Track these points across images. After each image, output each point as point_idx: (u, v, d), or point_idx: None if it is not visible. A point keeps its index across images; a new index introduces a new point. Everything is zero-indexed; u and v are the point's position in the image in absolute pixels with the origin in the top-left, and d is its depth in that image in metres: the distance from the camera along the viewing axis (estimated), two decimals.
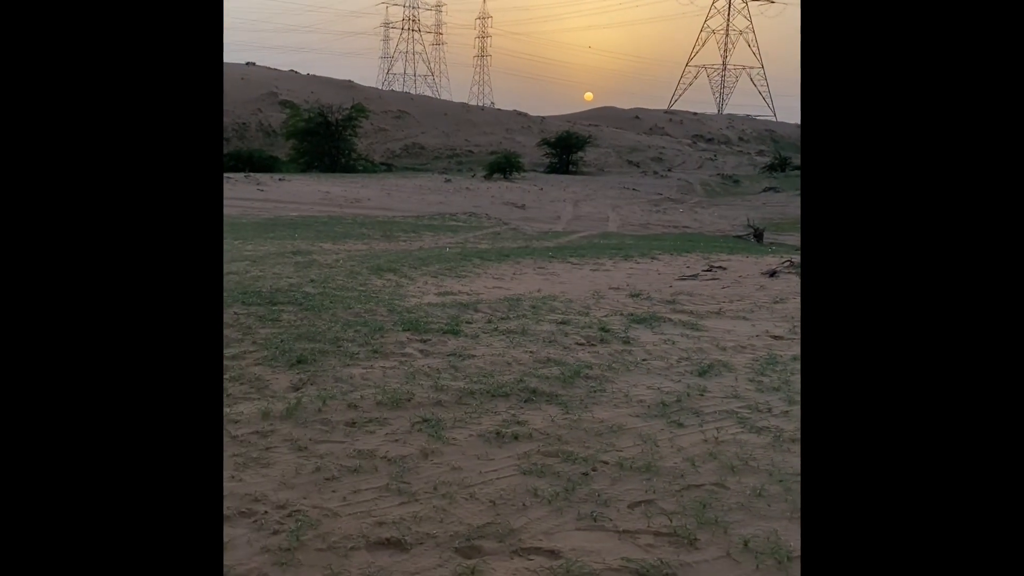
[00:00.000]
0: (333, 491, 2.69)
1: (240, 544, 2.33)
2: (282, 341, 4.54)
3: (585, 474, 2.90)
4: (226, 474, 2.79)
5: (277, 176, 25.09)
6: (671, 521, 2.55)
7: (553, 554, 2.35)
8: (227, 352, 4.30)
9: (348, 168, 31.55)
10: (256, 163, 28.23)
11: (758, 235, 14.52)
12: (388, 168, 34.82)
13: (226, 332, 4.73)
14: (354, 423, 3.32)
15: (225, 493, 2.64)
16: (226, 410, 3.41)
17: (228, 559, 2.25)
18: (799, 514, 2.62)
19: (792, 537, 2.48)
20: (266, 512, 2.53)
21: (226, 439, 3.10)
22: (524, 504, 2.65)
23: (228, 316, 5.15)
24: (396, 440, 3.17)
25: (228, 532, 2.40)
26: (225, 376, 3.89)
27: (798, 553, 2.37)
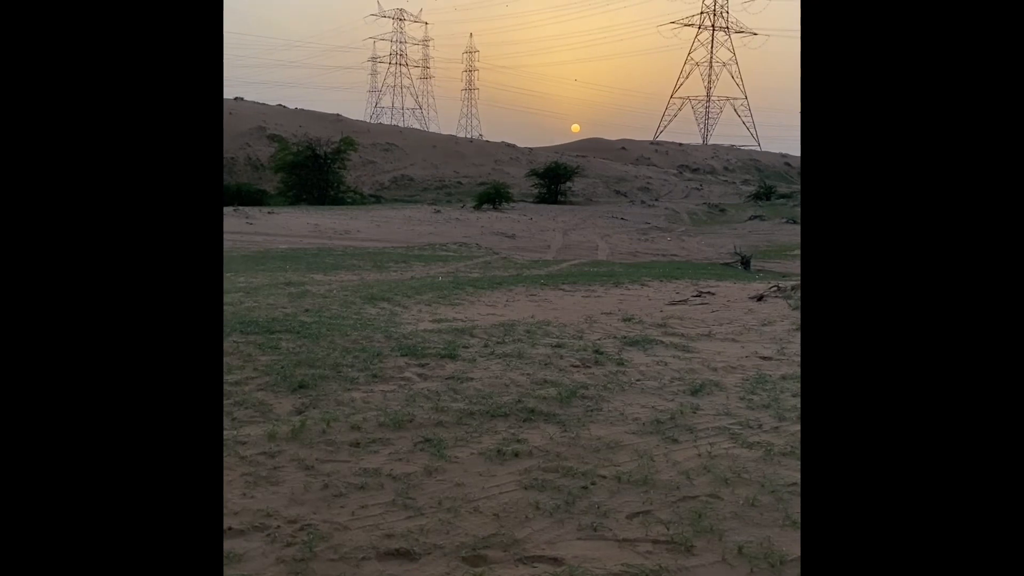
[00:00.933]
0: (341, 506, 2.79)
1: (255, 556, 2.43)
2: (283, 367, 4.64)
3: (584, 488, 3.01)
4: (237, 492, 2.89)
5: (266, 209, 25.22)
6: (668, 530, 2.67)
7: (556, 561, 2.46)
8: (230, 378, 4.40)
9: (337, 200, 31.74)
10: (245, 197, 28.37)
11: (745, 262, 14.75)
12: (377, 200, 35.08)
13: (227, 360, 4.83)
14: (358, 443, 3.43)
15: (237, 509, 2.74)
16: (233, 432, 3.51)
17: (245, 570, 2.34)
18: (791, 522, 2.74)
19: (785, 543, 2.59)
20: (278, 526, 2.62)
21: (235, 459, 3.20)
22: (527, 516, 2.75)
23: (228, 344, 5.25)
24: (400, 459, 3.27)
25: (243, 545, 2.49)
26: (229, 401, 3.99)
27: (791, 557, 2.49)
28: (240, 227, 19.40)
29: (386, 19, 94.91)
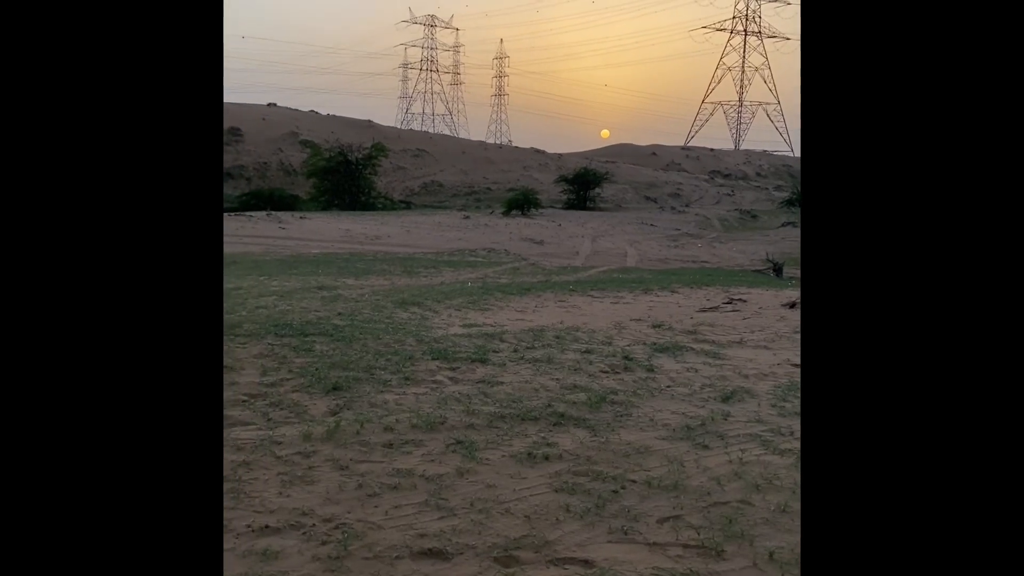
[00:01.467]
0: (376, 506, 2.85)
1: (292, 553, 2.49)
2: (317, 369, 4.73)
3: (615, 491, 3.04)
4: (274, 491, 2.96)
5: (298, 214, 25.55)
6: (699, 534, 2.68)
7: (587, 564, 2.48)
8: (265, 379, 4.50)
9: (368, 206, 32.02)
10: (277, 202, 28.73)
11: (777, 269, 14.62)
12: (407, 205, 35.31)
13: (262, 361, 4.93)
14: (391, 444, 3.49)
15: (274, 508, 2.81)
16: (269, 432, 3.59)
17: (281, 566, 2.41)
18: None
19: None
20: (314, 525, 2.69)
21: (271, 459, 3.28)
22: (557, 519, 2.79)
23: (263, 347, 5.36)
24: (432, 460, 3.32)
25: (279, 543, 2.56)
26: (265, 402, 4.08)
27: None
28: (273, 231, 19.69)
29: (417, 25, 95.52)
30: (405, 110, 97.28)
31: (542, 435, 3.69)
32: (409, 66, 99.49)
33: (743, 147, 74.31)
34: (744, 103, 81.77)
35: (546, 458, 3.38)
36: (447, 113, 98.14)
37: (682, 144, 67.93)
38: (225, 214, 17.39)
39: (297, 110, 52.30)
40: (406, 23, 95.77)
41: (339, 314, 7.10)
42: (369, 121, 52.06)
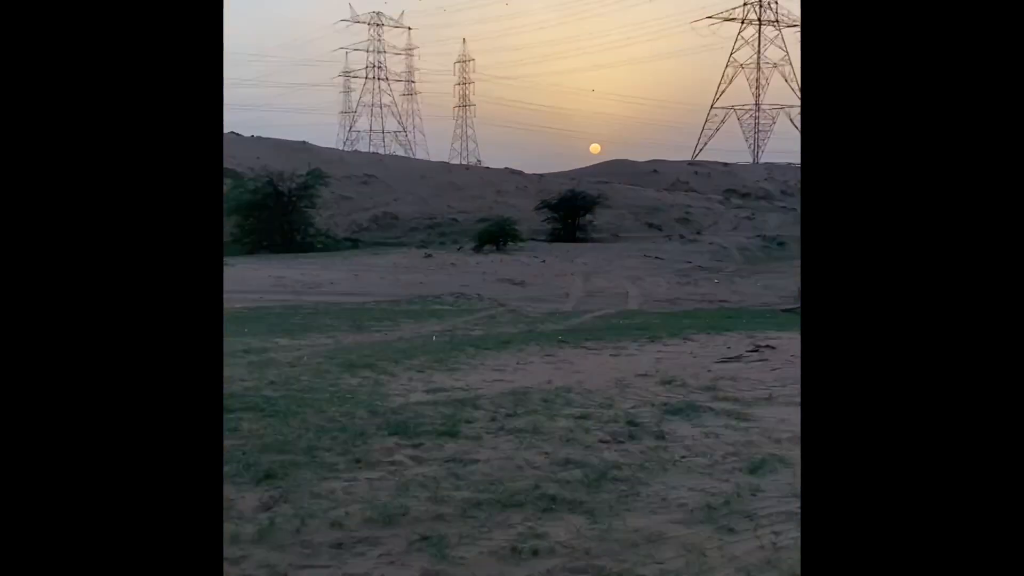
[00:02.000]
0: None
1: None
2: (244, 454, 4.70)
3: None
4: None
5: None
6: None
7: None
8: None
9: (305, 246, 32.15)
10: None
11: None
12: (354, 244, 35.46)
13: None
14: (340, 544, 3.47)
15: None
16: None
17: None
18: None
19: None
20: None
21: None
22: None
23: None
24: (392, 562, 3.31)
25: None
26: None
27: None
28: None
29: (360, 25, 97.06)
30: (348, 128, 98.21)
31: (529, 524, 3.69)
32: (352, 74, 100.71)
33: (763, 160, 75.68)
34: (761, 107, 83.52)
35: (535, 553, 3.38)
36: (400, 130, 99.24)
37: (689, 158, 69.12)
38: None
39: None
40: (346, 23, 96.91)
41: (271, 383, 7.08)
42: (303, 142, 52.49)
